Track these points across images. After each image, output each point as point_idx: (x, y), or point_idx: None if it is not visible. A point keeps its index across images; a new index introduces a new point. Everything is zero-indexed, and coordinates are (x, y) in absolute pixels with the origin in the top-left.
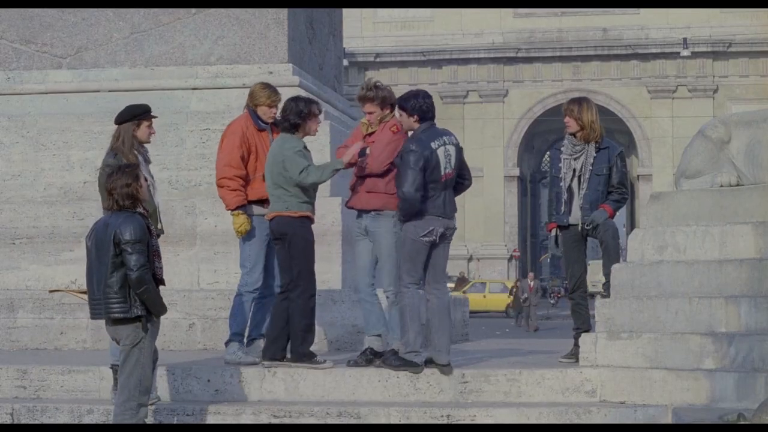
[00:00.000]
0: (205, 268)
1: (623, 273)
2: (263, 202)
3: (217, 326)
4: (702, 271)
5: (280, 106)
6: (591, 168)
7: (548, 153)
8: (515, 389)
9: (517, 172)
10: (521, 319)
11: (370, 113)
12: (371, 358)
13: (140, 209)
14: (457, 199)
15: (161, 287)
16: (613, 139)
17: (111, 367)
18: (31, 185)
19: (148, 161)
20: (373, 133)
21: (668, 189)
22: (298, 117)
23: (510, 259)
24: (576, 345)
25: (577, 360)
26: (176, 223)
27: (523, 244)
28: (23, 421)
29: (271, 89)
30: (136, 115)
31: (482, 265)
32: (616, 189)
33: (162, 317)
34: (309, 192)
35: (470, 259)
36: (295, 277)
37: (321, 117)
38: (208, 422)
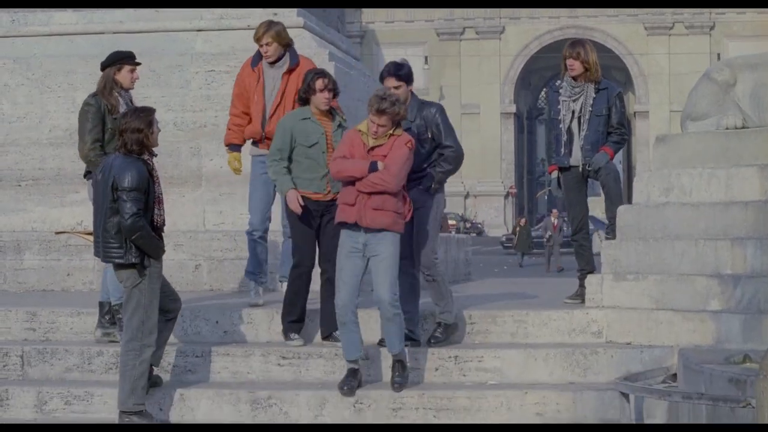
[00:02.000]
0: (211, 210)
1: (629, 215)
2: (257, 142)
3: (223, 267)
4: (707, 213)
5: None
6: (591, 109)
7: (544, 90)
8: (522, 330)
9: (513, 108)
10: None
11: (381, 126)
12: (358, 379)
13: (146, 156)
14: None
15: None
16: (609, 77)
17: (99, 303)
18: (36, 127)
19: (127, 104)
20: (380, 146)
21: (664, 126)
22: (305, 92)
23: (506, 195)
24: (581, 286)
25: (583, 301)
26: (181, 165)
27: (519, 181)
28: (33, 364)
29: (264, 26)
30: (116, 60)
31: (479, 201)
32: (615, 130)
33: (168, 258)
34: (302, 168)
35: (467, 196)
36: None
37: (327, 92)
38: (216, 363)
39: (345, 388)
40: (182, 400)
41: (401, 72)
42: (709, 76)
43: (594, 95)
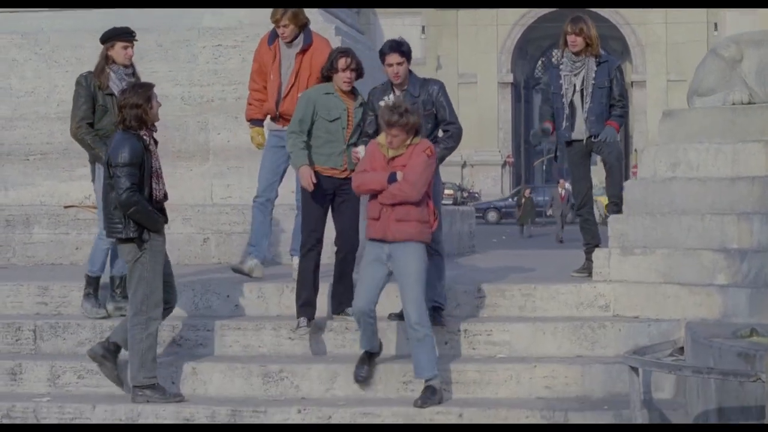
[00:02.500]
0: (218, 183)
1: (636, 189)
2: (273, 119)
3: (231, 240)
4: (714, 188)
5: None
6: (593, 82)
7: (541, 59)
8: (530, 304)
9: (510, 78)
10: (527, 230)
11: (394, 137)
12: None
13: (144, 132)
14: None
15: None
16: (606, 46)
17: (110, 278)
18: (45, 102)
19: (122, 80)
20: (399, 156)
21: (662, 95)
22: (327, 70)
23: (504, 165)
24: (588, 260)
25: (590, 274)
26: (189, 139)
27: (516, 150)
28: (45, 338)
29: (278, 9)
30: (109, 37)
31: (476, 171)
32: (617, 102)
33: (176, 232)
34: (321, 142)
35: (464, 165)
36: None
37: (349, 71)
38: (228, 337)
39: (360, 377)
40: (194, 373)
41: (403, 48)
42: (715, 53)
43: (595, 68)
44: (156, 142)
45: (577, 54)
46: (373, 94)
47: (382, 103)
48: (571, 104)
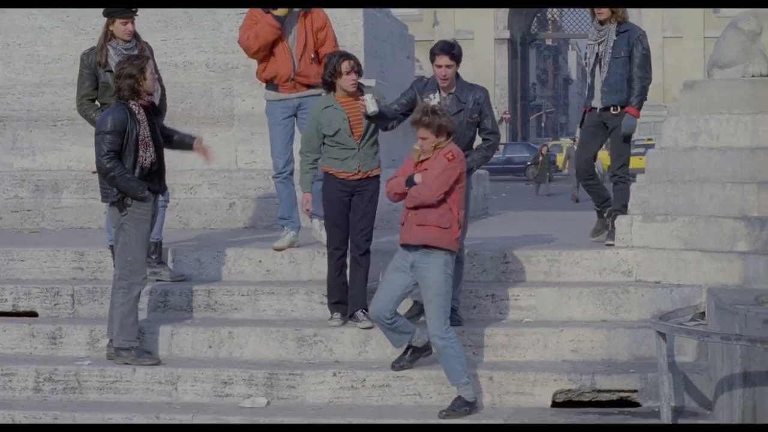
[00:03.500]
0: (243, 149)
1: (658, 158)
2: (275, 86)
3: (256, 205)
4: (735, 157)
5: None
6: (611, 51)
7: (537, 15)
8: (555, 269)
9: (507, 34)
10: (545, 189)
11: (423, 139)
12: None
13: (133, 102)
14: None
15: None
16: None
17: (109, 247)
18: (71, 69)
19: (120, 55)
20: (426, 160)
21: (657, 51)
22: (329, 75)
23: (500, 121)
24: (599, 217)
25: (607, 232)
26: (214, 105)
27: (513, 107)
28: (83, 303)
29: None
30: (109, 12)
31: None
32: (636, 75)
33: (203, 197)
34: (333, 150)
35: None
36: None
37: (353, 73)
38: (262, 302)
39: (396, 365)
40: (231, 337)
41: (454, 51)
42: (735, 26)
43: (615, 38)
44: (157, 112)
45: (602, 23)
46: (416, 85)
47: (426, 100)
48: (593, 73)
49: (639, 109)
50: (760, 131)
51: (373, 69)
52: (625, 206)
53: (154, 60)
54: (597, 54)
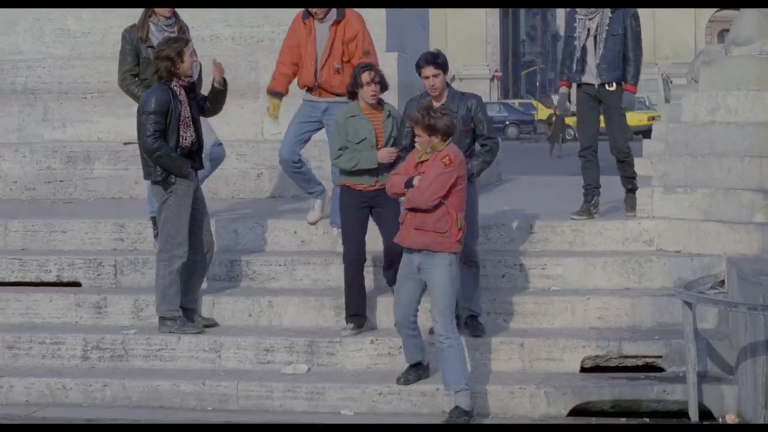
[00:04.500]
0: (269, 120)
1: (678, 132)
2: (310, 89)
3: (283, 175)
4: (752, 132)
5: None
6: (607, 28)
7: None
8: (579, 239)
9: None
10: (557, 150)
11: (418, 137)
12: (420, 374)
13: (174, 83)
14: (441, 20)
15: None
16: None
17: (150, 219)
18: (101, 42)
19: (162, 31)
20: (426, 161)
21: (647, 23)
22: (352, 86)
23: (492, 79)
24: (586, 202)
25: (589, 216)
26: (240, 78)
27: (504, 65)
28: (125, 273)
29: None
30: None
31: (465, 85)
32: (632, 53)
33: (231, 167)
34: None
35: (452, 79)
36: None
37: (373, 84)
38: (298, 272)
39: (401, 379)
40: (271, 306)
41: (439, 60)
42: None
43: (610, 15)
44: (193, 89)
45: None
46: (409, 105)
47: None
48: (584, 48)
49: (635, 85)
50: None
51: (394, 41)
52: (635, 178)
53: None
54: (589, 29)
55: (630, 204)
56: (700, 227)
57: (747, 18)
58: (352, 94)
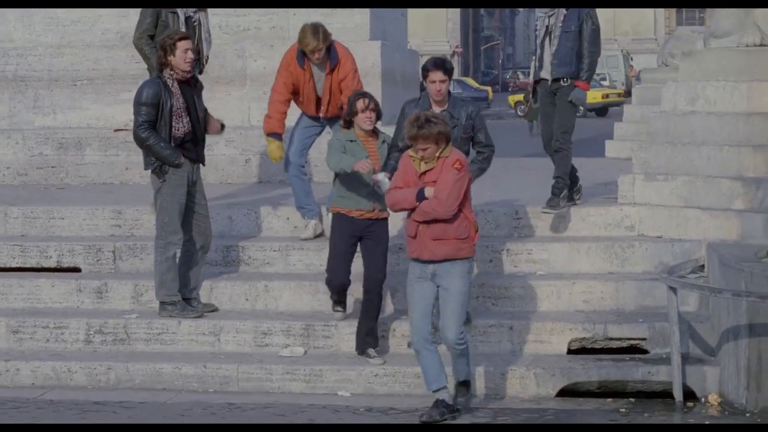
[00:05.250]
0: (255, 107)
1: (658, 121)
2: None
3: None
4: (731, 122)
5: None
6: (561, 25)
7: None
8: (563, 225)
9: None
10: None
11: (424, 150)
12: (444, 411)
13: (168, 75)
14: None
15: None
16: None
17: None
18: (90, 31)
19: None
20: (430, 170)
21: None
22: (348, 114)
23: (452, 55)
24: (553, 195)
25: (553, 208)
26: (227, 66)
27: (465, 40)
28: (124, 258)
29: (315, 37)
30: None
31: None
32: (586, 50)
33: (220, 153)
34: (352, 185)
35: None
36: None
37: (368, 111)
38: (292, 257)
39: (424, 417)
40: (267, 291)
41: (447, 66)
42: None
43: (565, 12)
44: (193, 84)
45: None
46: (407, 106)
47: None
48: (542, 45)
49: (588, 82)
50: (754, 97)
51: (377, 30)
52: (566, 174)
53: (200, 29)
54: (547, 27)
55: (551, 204)
56: (681, 213)
57: (725, 12)
58: (349, 123)
